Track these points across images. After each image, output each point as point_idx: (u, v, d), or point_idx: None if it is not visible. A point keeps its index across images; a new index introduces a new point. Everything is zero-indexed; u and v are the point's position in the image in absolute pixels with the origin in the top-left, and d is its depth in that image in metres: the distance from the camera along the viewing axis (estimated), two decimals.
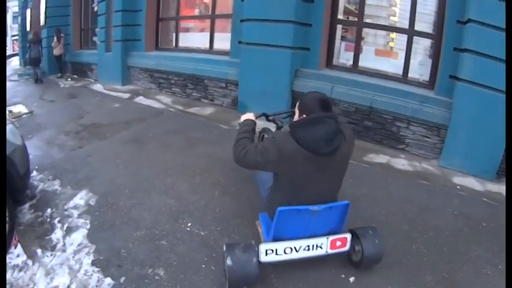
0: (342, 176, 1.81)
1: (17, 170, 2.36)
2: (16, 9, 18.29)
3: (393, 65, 4.47)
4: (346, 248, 1.83)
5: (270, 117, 2.48)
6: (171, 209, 2.61)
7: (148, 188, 2.93)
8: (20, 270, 2.01)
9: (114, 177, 3.12)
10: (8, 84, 10.13)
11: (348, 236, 1.82)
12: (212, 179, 3.09)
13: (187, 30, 6.91)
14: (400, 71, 4.34)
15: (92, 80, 8.61)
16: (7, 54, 25.38)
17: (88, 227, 2.40)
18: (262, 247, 1.71)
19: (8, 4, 26.67)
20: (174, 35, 6.96)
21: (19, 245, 2.19)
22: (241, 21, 4.88)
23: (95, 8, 8.73)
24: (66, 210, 2.62)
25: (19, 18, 15.81)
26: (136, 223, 2.43)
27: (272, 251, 1.72)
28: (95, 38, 8.91)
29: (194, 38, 6.61)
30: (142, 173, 3.21)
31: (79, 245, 2.21)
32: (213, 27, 6.05)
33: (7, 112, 6.00)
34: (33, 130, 4.79)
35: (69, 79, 9.36)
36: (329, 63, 4.86)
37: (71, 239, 2.26)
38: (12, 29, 27.53)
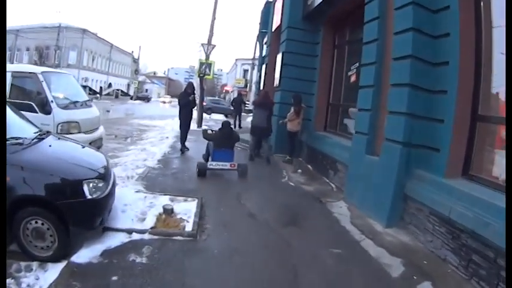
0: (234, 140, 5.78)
1: None
2: None
3: None
4: (236, 168, 5.44)
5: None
6: None
7: None
8: None
9: None
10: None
11: (236, 164, 5.47)
12: None
13: None
14: None
15: (333, 187, 5.31)
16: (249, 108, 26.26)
17: None
18: (209, 163, 5.51)
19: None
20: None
21: None
22: None
23: (352, 77, 5.83)
24: None
25: (258, 75, 12.60)
26: None
27: (211, 164, 5.46)
28: (346, 121, 6.13)
29: None
30: None
31: None
32: None
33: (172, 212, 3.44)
34: None
35: (300, 170, 6.27)
36: None
37: None
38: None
